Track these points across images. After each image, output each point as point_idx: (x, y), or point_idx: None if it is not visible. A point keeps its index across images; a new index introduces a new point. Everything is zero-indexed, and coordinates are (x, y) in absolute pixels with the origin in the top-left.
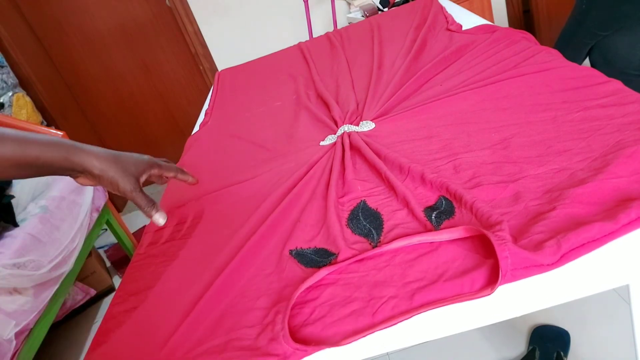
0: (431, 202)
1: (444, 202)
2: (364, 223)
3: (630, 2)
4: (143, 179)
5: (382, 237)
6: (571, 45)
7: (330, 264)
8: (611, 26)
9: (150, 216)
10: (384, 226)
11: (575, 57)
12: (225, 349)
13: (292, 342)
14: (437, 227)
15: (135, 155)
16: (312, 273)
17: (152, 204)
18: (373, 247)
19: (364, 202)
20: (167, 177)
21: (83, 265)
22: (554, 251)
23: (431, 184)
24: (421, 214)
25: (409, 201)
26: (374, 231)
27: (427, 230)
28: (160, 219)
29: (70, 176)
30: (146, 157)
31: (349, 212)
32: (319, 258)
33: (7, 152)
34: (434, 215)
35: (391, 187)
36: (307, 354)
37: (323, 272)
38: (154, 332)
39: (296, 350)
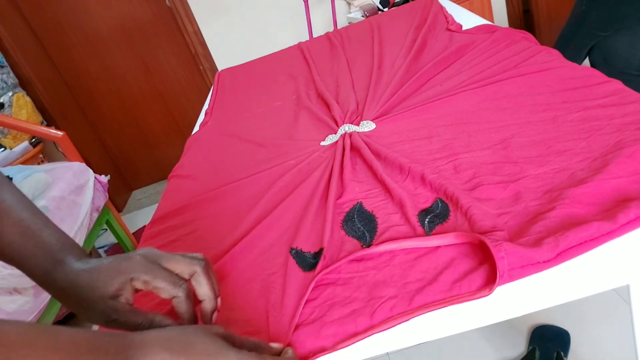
0: (428, 204)
1: (439, 204)
2: (358, 225)
3: (630, 3)
4: (125, 293)
5: (374, 240)
6: (571, 45)
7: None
8: (611, 26)
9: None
10: (377, 229)
11: (575, 57)
12: None
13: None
14: (428, 232)
15: (115, 262)
16: (310, 276)
17: (149, 322)
18: (363, 249)
19: (360, 204)
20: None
21: None
22: (551, 248)
23: (430, 185)
24: (414, 218)
25: (403, 204)
26: (367, 234)
27: (417, 234)
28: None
29: None
30: (133, 256)
31: (344, 214)
32: (313, 260)
33: (5, 235)
34: (427, 219)
35: (387, 189)
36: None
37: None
38: None
39: None
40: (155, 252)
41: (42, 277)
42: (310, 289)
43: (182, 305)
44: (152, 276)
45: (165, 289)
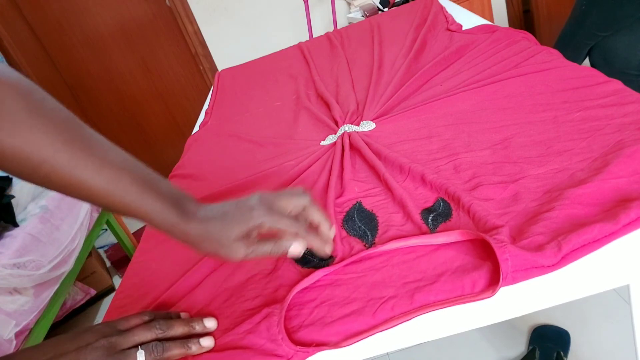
0: (429, 204)
1: (441, 204)
2: (359, 224)
3: (630, 3)
4: (253, 234)
5: (376, 239)
6: (571, 46)
7: (327, 266)
8: (611, 27)
9: (285, 254)
10: (378, 228)
11: (575, 57)
12: (226, 347)
13: (292, 344)
14: (433, 229)
15: (242, 205)
16: (308, 274)
17: (277, 246)
18: (367, 249)
19: (360, 204)
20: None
21: (83, 265)
22: (555, 252)
23: (431, 185)
24: (417, 217)
25: (405, 203)
26: (368, 232)
27: (422, 232)
28: (295, 246)
29: None
30: (255, 199)
31: (344, 213)
32: (314, 259)
33: (126, 195)
34: (430, 217)
35: (389, 189)
36: (308, 354)
37: (319, 274)
38: None
39: (297, 352)
40: (268, 197)
41: (171, 229)
42: (311, 278)
43: (306, 237)
44: (275, 222)
45: (289, 228)
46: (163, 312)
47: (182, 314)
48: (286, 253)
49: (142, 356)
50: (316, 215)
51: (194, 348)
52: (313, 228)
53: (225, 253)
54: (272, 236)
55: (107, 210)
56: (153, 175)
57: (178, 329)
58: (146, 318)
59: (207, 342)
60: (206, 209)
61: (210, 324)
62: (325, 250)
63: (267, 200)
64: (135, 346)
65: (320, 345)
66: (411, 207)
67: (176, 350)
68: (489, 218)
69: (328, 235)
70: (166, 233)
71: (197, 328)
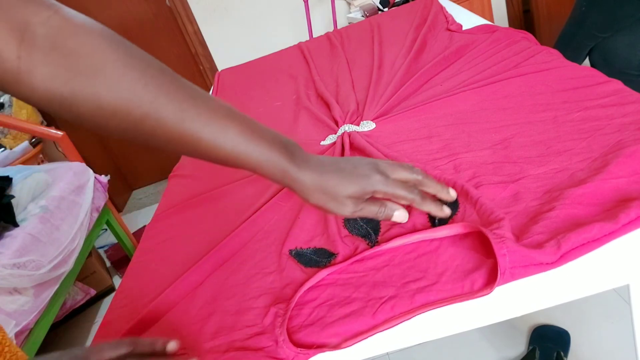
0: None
1: None
2: (361, 224)
3: (630, 3)
4: (367, 196)
5: (379, 237)
6: (571, 46)
7: (330, 264)
8: (611, 28)
9: (390, 218)
10: (381, 226)
11: (574, 58)
12: (228, 349)
13: (292, 347)
14: (437, 225)
15: (359, 164)
16: (311, 273)
17: (384, 208)
18: (371, 247)
19: None
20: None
21: (83, 265)
22: (554, 250)
23: (437, 180)
24: (423, 213)
25: None
26: (371, 231)
27: (425, 228)
28: (400, 213)
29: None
30: (370, 164)
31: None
32: (318, 258)
33: (236, 144)
34: (437, 218)
35: None
36: (309, 356)
37: (323, 273)
38: (155, 332)
39: (298, 354)
40: (383, 165)
41: (283, 177)
42: (315, 278)
43: (422, 204)
44: (392, 189)
45: (405, 196)
46: (146, 343)
47: (169, 346)
48: (391, 217)
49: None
50: (432, 188)
51: (443, 212)
52: (428, 196)
53: (334, 207)
54: (381, 199)
55: (214, 162)
56: (256, 122)
57: (428, 206)
58: (123, 351)
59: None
60: (318, 160)
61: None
62: (445, 212)
63: (382, 168)
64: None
65: (321, 346)
66: None
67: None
68: (494, 211)
69: (448, 197)
70: (277, 181)
71: (444, 194)
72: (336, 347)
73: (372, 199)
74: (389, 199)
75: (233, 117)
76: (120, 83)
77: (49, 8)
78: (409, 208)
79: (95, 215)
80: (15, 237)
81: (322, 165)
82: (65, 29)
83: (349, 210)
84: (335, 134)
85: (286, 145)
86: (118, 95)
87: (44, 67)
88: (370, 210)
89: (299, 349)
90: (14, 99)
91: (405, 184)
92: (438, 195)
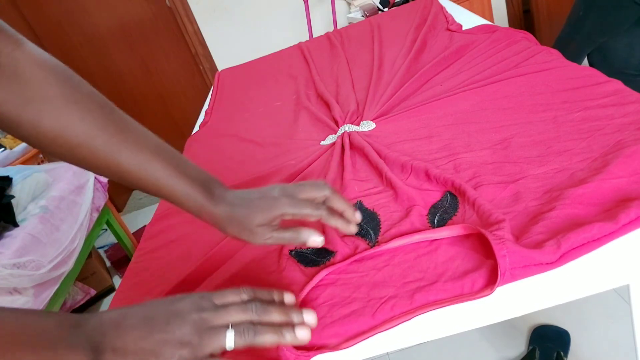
0: (437, 198)
1: (449, 197)
2: (361, 224)
3: (627, 8)
4: (276, 222)
5: (379, 238)
6: (568, 51)
7: (329, 262)
8: (609, 32)
9: (304, 243)
10: (381, 226)
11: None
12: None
13: (293, 350)
14: (436, 226)
15: (265, 194)
16: (311, 273)
17: (296, 234)
18: (371, 247)
19: (360, 203)
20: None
21: (83, 266)
22: (554, 250)
23: (436, 180)
24: (423, 214)
25: (413, 201)
26: (371, 231)
27: (424, 229)
28: (315, 238)
29: None
30: (277, 190)
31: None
32: (317, 258)
33: (158, 178)
34: (436, 218)
35: (392, 188)
36: (309, 358)
37: (322, 274)
38: None
39: (299, 357)
40: (290, 188)
41: (199, 211)
42: (315, 280)
43: (329, 219)
44: (299, 209)
45: (311, 214)
46: (265, 292)
47: (287, 297)
48: (306, 242)
49: (231, 338)
50: (339, 204)
51: (288, 337)
52: (336, 213)
53: (247, 237)
54: (294, 224)
55: (142, 191)
56: (183, 159)
57: (274, 316)
58: (244, 297)
59: (302, 334)
60: (233, 194)
61: (310, 317)
62: (350, 229)
63: (289, 190)
64: (227, 325)
65: (321, 348)
66: (419, 204)
67: (269, 337)
68: (493, 212)
69: (353, 218)
70: (195, 215)
71: (295, 319)
72: (336, 347)
73: (286, 224)
74: (301, 222)
75: (159, 152)
76: (61, 114)
77: (14, 42)
78: (404, 209)
79: (95, 215)
80: (15, 237)
81: (235, 199)
82: (23, 61)
83: (261, 238)
84: (335, 134)
85: (206, 183)
86: (58, 124)
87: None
88: (283, 237)
89: (300, 351)
90: None
91: (312, 201)
92: (344, 213)
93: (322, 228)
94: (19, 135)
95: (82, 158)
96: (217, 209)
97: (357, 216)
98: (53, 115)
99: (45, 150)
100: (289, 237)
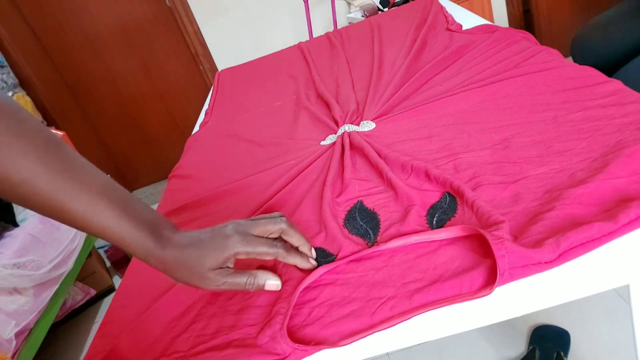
0: (436, 199)
1: (448, 198)
2: (361, 223)
3: None
4: (229, 264)
5: (378, 237)
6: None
7: (327, 264)
8: None
9: (261, 288)
10: (380, 226)
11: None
12: (227, 347)
13: (290, 342)
14: (434, 227)
15: (216, 241)
16: (310, 272)
17: (252, 278)
18: (370, 247)
19: (361, 203)
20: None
21: (83, 266)
22: (553, 249)
23: (436, 180)
24: (422, 214)
25: (412, 201)
26: (370, 231)
27: (424, 229)
28: (272, 282)
29: None
30: (229, 228)
31: (345, 212)
32: (317, 257)
33: (103, 219)
34: (435, 218)
35: (392, 188)
36: (307, 353)
37: (321, 270)
38: (155, 331)
39: (295, 350)
40: (243, 224)
41: (146, 256)
42: (314, 275)
43: (286, 257)
44: (253, 247)
45: (267, 253)
46: (295, 238)
47: (313, 253)
48: (262, 287)
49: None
50: (295, 239)
51: (309, 264)
52: (293, 248)
53: (198, 283)
54: (250, 265)
55: (87, 233)
56: (132, 199)
57: (293, 259)
58: (282, 227)
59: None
60: (183, 236)
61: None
62: (309, 265)
63: (242, 227)
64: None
65: (319, 343)
66: (418, 204)
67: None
68: (492, 213)
69: (309, 253)
70: (143, 259)
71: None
72: (334, 344)
73: (241, 267)
74: (258, 262)
75: (105, 192)
76: (2, 149)
77: None
78: (403, 209)
79: None
80: (15, 237)
81: (185, 240)
82: None
83: (213, 284)
84: (335, 134)
85: (154, 225)
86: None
87: None
88: (238, 283)
89: (297, 344)
90: (14, 99)
91: (267, 239)
92: (300, 248)
93: (322, 230)
94: None
95: (24, 197)
96: (164, 252)
97: (313, 253)
98: None
99: None
100: (244, 282)
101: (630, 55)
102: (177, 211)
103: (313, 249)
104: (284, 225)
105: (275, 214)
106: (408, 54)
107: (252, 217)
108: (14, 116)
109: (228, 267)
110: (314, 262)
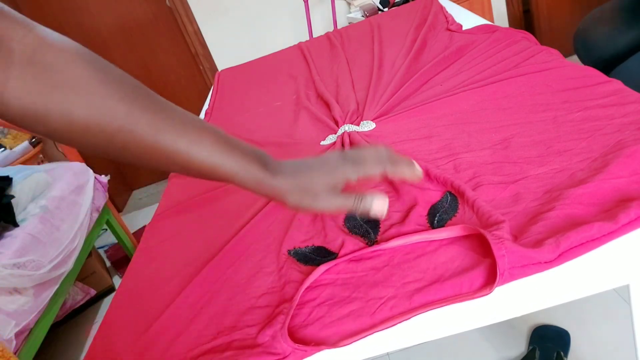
0: (437, 198)
1: (449, 197)
2: (361, 223)
3: None
4: (340, 187)
5: (379, 237)
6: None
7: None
8: None
9: (368, 212)
10: (380, 226)
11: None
12: (227, 348)
13: (290, 342)
14: (435, 227)
15: (329, 158)
16: (310, 272)
17: (359, 199)
18: (370, 247)
19: None
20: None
21: (83, 265)
22: (553, 249)
23: (437, 180)
24: (423, 214)
25: (414, 201)
26: (370, 231)
27: (424, 229)
28: (380, 205)
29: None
30: (336, 154)
31: (345, 212)
32: (317, 257)
33: (203, 161)
34: (436, 218)
35: (392, 187)
36: (307, 354)
37: (322, 269)
38: (155, 332)
39: (295, 350)
40: (352, 154)
41: (257, 186)
42: (315, 274)
43: (395, 169)
44: (362, 172)
45: (374, 169)
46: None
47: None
48: (370, 208)
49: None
50: (401, 168)
51: (417, 172)
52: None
53: (312, 203)
54: (356, 190)
55: (187, 173)
56: (230, 136)
57: (402, 169)
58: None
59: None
60: (288, 165)
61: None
62: (418, 174)
63: (351, 156)
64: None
65: (319, 344)
66: (420, 204)
67: (405, 167)
68: (493, 213)
69: (418, 170)
70: (253, 190)
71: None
72: (334, 344)
73: (350, 189)
74: (364, 187)
75: (207, 129)
76: (93, 98)
77: (24, 27)
78: (405, 208)
79: (95, 215)
80: (15, 237)
81: (294, 168)
82: (40, 46)
83: (325, 203)
84: (335, 134)
85: (259, 156)
86: (91, 110)
87: (19, 82)
88: (347, 204)
89: (297, 344)
90: None
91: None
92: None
93: (322, 229)
94: (48, 130)
95: (123, 146)
96: (276, 180)
97: (419, 171)
98: (85, 100)
99: (79, 143)
100: (352, 203)
101: (633, 47)
102: (178, 211)
103: (419, 168)
104: (387, 167)
105: (380, 146)
106: (408, 54)
107: (358, 150)
108: (96, 64)
109: (337, 189)
110: (419, 170)
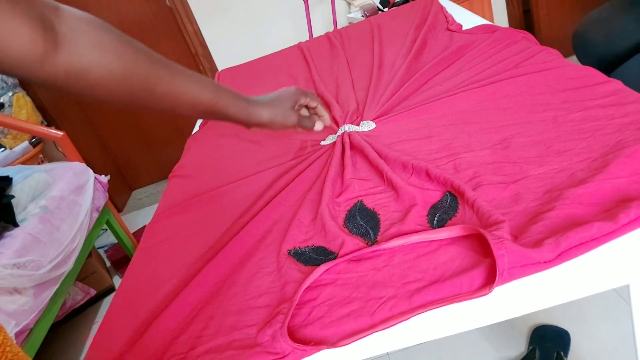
0: (437, 198)
1: (449, 198)
2: (361, 223)
3: None
4: (296, 107)
5: (379, 237)
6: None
7: (328, 262)
8: None
9: (312, 130)
10: (380, 226)
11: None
12: (227, 348)
13: (290, 341)
14: (435, 227)
15: (285, 91)
16: (310, 272)
17: (313, 121)
18: (370, 246)
19: (361, 202)
20: (311, 108)
21: (83, 265)
22: (552, 249)
23: (437, 180)
24: (423, 214)
25: (414, 201)
26: (370, 231)
27: (424, 229)
28: (319, 126)
29: (243, 126)
30: (293, 88)
31: (345, 212)
32: (317, 256)
33: (205, 97)
34: (436, 218)
35: (392, 187)
36: (306, 354)
37: (322, 269)
38: (155, 332)
39: (295, 349)
40: (300, 90)
41: (247, 116)
42: (315, 274)
43: (320, 109)
44: (310, 99)
45: (314, 104)
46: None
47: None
48: (313, 127)
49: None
50: (321, 110)
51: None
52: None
53: (283, 120)
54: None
55: (192, 112)
56: (220, 83)
57: (322, 110)
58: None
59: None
60: (262, 98)
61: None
62: (326, 122)
63: (300, 90)
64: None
65: (318, 343)
66: (420, 204)
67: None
68: (493, 213)
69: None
70: (242, 117)
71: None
72: (334, 344)
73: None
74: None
75: (205, 78)
76: (127, 52)
77: (55, 7)
78: (404, 208)
79: (95, 215)
80: (15, 237)
81: (265, 99)
82: (74, 17)
83: (294, 119)
84: (335, 134)
85: (243, 95)
86: (128, 61)
87: (68, 46)
88: (303, 117)
89: (296, 344)
90: (14, 99)
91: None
92: (322, 119)
93: (322, 229)
94: (87, 83)
95: (150, 89)
96: (259, 109)
97: (328, 120)
98: (119, 53)
99: (116, 92)
100: (306, 120)
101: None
102: (178, 210)
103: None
104: (317, 103)
105: (311, 93)
106: (408, 54)
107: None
108: (116, 31)
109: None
110: (327, 123)
